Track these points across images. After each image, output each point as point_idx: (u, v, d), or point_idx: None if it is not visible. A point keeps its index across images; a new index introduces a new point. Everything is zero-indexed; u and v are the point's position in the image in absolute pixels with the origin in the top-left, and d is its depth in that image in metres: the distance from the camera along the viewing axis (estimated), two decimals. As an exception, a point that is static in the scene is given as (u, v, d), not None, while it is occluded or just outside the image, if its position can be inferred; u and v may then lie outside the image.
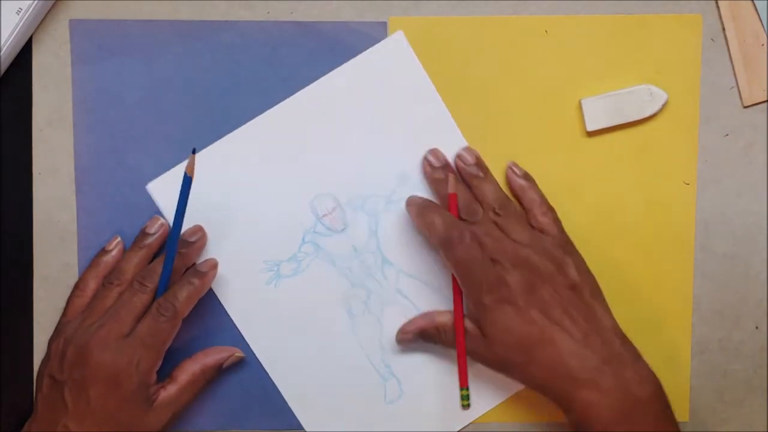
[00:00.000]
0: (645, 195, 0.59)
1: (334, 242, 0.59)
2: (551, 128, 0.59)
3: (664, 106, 0.58)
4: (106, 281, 0.56)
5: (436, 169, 0.57)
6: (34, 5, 0.56)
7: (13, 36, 0.55)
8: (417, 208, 0.56)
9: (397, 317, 0.58)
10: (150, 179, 0.58)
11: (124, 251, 0.58)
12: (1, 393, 0.59)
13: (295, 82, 0.58)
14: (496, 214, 0.56)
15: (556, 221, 0.57)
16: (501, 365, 0.54)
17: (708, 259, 0.59)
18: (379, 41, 0.58)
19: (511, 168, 0.58)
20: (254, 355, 0.58)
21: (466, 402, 0.58)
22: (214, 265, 0.56)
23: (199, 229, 0.57)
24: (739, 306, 0.59)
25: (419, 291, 0.59)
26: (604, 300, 0.55)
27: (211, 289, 0.58)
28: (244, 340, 0.58)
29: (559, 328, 0.52)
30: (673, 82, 0.58)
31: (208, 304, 0.58)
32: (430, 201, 0.57)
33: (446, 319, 0.57)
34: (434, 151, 0.57)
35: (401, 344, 0.58)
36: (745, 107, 0.59)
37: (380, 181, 0.58)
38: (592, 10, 0.58)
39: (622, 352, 0.53)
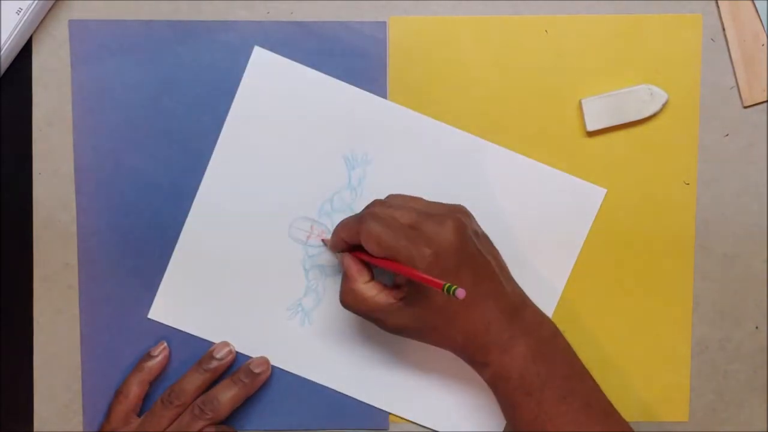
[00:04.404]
0: (645, 195, 0.59)
1: (332, 254, 0.59)
2: (551, 128, 0.59)
3: (664, 106, 0.58)
4: (166, 399, 0.56)
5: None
6: (34, 5, 0.56)
7: (13, 36, 0.55)
8: (338, 238, 0.55)
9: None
10: (150, 179, 0.58)
11: (169, 356, 0.58)
12: (1, 393, 0.59)
13: (295, 82, 0.58)
14: (382, 203, 0.54)
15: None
16: (418, 330, 0.53)
17: (708, 259, 0.59)
18: (380, 41, 0.58)
19: None
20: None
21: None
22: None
23: (264, 362, 0.58)
24: (739, 306, 0.59)
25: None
26: (489, 241, 0.55)
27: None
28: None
29: (482, 291, 0.52)
30: (673, 82, 0.58)
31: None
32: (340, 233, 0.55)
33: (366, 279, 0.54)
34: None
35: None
36: (745, 107, 0.59)
37: (332, 176, 0.58)
38: (592, 10, 0.58)
39: (522, 298, 0.54)
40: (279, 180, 0.58)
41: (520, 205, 0.58)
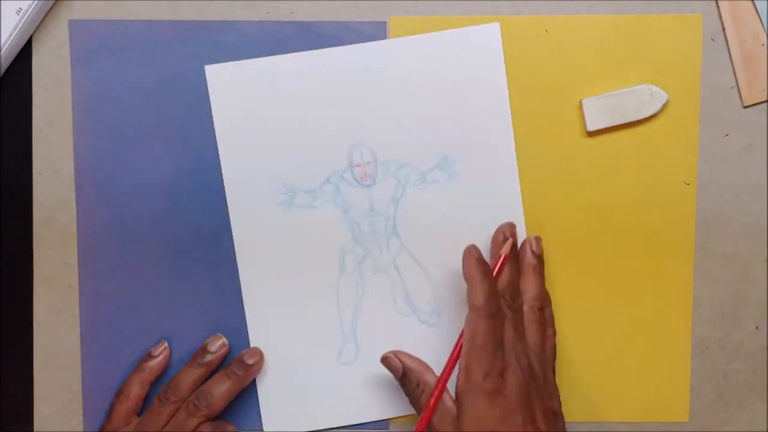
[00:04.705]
0: (645, 195, 0.59)
1: (355, 194, 0.58)
2: (551, 128, 0.59)
3: (664, 106, 0.58)
4: (163, 396, 0.56)
5: (499, 229, 0.57)
6: (34, 5, 0.56)
7: (13, 36, 0.55)
8: (472, 260, 0.54)
9: (383, 288, 0.58)
10: (150, 179, 0.58)
11: (170, 356, 0.58)
12: (1, 393, 0.59)
13: (295, 82, 0.58)
14: (531, 310, 0.55)
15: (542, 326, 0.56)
16: None
17: (708, 259, 0.59)
18: (380, 41, 0.58)
19: (531, 242, 0.57)
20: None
21: None
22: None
23: (257, 353, 0.58)
24: (739, 306, 0.59)
25: (413, 274, 0.58)
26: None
27: (224, 197, 0.58)
28: (233, 252, 0.58)
29: None
30: (673, 82, 0.58)
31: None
32: (486, 263, 0.54)
33: (431, 381, 0.54)
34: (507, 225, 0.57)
35: (383, 362, 0.56)
36: (745, 107, 0.59)
37: (423, 155, 0.58)
38: (592, 10, 0.58)
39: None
40: (389, 115, 0.58)
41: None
